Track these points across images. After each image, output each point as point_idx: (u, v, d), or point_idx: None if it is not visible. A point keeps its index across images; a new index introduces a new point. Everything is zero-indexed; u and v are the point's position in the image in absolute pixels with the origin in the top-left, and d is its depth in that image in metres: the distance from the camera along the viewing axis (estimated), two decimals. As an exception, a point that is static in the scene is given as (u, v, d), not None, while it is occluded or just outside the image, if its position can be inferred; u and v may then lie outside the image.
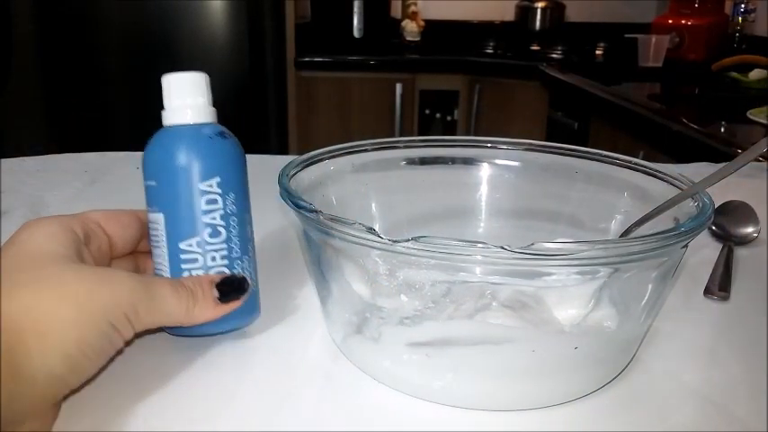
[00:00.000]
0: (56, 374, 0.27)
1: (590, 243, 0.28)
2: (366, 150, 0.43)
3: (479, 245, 0.27)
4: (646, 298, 0.32)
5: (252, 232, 0.37)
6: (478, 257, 0.28)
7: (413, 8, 2.49)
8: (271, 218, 0.55)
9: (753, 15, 2.00)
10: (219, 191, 0.34)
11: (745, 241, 0.53)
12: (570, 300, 0.32)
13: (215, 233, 0.34)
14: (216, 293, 0.33)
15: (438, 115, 2.25)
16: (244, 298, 0.35)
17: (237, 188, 0.35)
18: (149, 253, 0.36)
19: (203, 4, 1.88)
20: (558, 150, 0.44)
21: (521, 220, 0.46)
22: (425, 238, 0.27)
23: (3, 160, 0.72)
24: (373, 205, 0.44)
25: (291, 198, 0.32)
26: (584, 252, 0.28)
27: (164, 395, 0.32)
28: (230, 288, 0.34)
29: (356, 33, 2.31)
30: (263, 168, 0.45)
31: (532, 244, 0.27)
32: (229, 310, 0.34)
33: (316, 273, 0.36)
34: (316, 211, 0.31)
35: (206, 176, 0.34)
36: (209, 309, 0.33)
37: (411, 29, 2.46)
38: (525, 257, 0.27)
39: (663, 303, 0.39)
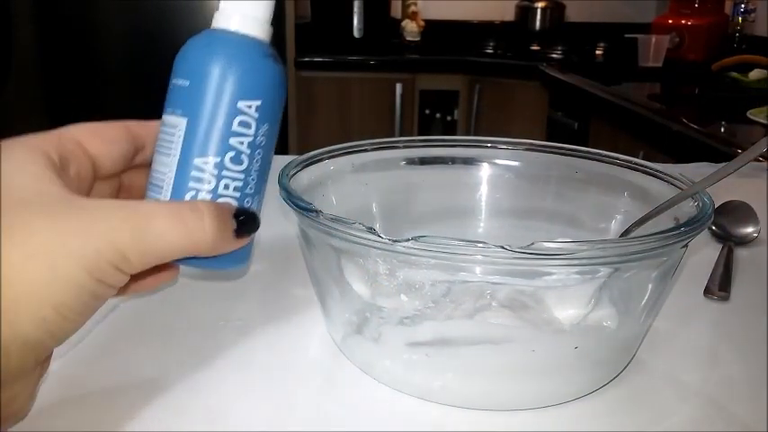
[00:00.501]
0: (32, 341, 0.24)
1: (590, 243, 0.28)
2: (366, 150, 0.43)
3: (479, 245, 0.27)
4: (646, 298, 0.32)
5: (268, 173, 0.33)
6: (478, 257, 0.28)
7: (413, 8, 2.49)
8: (271, 218, 0.55)
9: (753, 15, 2.00)
10: (257, 116, 0.31)
11: (745, 241, 0.53)
12: (570, 300, 0.32)
13: (237, 160, 0.31)
14: (234, 225, 0.30)
15: (438, 115, 2.25)
16: (252, 237, 0.32)
17: (273, 120, 0.32)
18: (144, 167, 0.33)
19: (203, 4, 1.88)
20: (558, 150, 0.44)
21: (521, 220, 0.46)
22: (425, 238, 0.27)
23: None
24: (373, 205, 0.44)
25: (291, 198, 0.32)
26: (584, 252, 0.28)
27: (163, 395, 0.32)
28: (246, 222, 0.30)
29: (356, 33, 2.31)
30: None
31: (532, 244, 0.27)
32: (239, 246, 0.31)
33: (315, 273, 0.36)
34: (316, 211, 0.31)
35: (249, 95, 0.30)
36: (228, 240, 0.29)
37: (411, 29, 2.46)
38: (525, 257, 0.27)
39: (663, 303, 0.39)
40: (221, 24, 0.31)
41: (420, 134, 2.19)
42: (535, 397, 0.32)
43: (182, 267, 0.33)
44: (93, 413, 0.31)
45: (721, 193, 0.51)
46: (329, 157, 0.41)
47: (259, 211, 0.33)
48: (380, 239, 0.28)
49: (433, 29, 2.49)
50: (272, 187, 0.35)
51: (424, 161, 0.46)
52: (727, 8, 2.06)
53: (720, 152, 1.04)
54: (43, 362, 0.28)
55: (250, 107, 0.30)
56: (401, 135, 2.17)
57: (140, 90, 1.72)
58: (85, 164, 0.30)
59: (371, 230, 0.28)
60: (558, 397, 0.32)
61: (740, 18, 2.01)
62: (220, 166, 0.30)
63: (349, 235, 0.30)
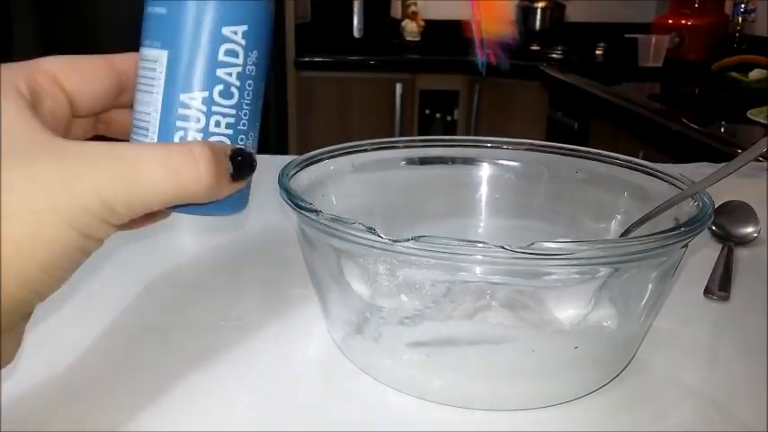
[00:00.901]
0: (17, 300, 0.23)
1: (590, 243, 0.28)
2: (366, 150, 0.43)
3: (479, 244, 0.27)
4: (646, 298, 0.32)
5: (262, 108, 0.30)
6: (478, 257, 0.28)
7: (413, 8, 2.49)
8: (271, 218, 0.55)
9: (753, 15, 2.00)
10: (243, 42, 0.28)
11: (745, 241, 0.53)
12: (570, 300, 0.32)
13: (227, 93, 0.28)
14: (230, 167, 0.27)
15: (438, 115, 2.25)
16: (249, 179, 0.29)
17: (262, 48, 0.29)
18: (128, 107, 0.30)
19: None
20: (558, 150, 0.44)
21: (521, 220, 0.46)
22: (425, 238, 0.27)
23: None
24: (373, 205, 0.44)
25: (291, 198, 0.32)
26: (584, 252, 0.28)
27: (162, 395, 0.32)
28: (243, 163, 0.28)
29: (356, 33, 2.31)
30: (263, 168, 0.45)
31: (532, 244, 0.27)
32: (236, 190, 0.28)
33: (315, 273, 0.36)
34: (316, 211, 0.31)
35: (233, 20, 0.27)
36: (225, 185, 0.27)
37: (411, 29, 2.46)
38: (525, 257, 0.27)
39: (663, 303, 0.39)
40: None
41: (420, 134, 2.19)
42: (535, 397, 0.32)
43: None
44: (91, 413, 0.31)
45: (721, 193, 0.51)
46: (329, 157, 0.41)
47: (254, 149, 0.30)
48: (380, 239, 0.28)
49: (433, 29, 2.49)
50: (273, 187, 0.35)
51: (424, 161, 0.46)
52: (727, 8, 2.06)
53: (720, 152, 1.04)
54: (28, 315, 0.26)
55: (236, 33, 0.28)
56: (401, 135, 2.17)
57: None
58: (62, 102, 0.28)
59: (371, 230, 0.28)
60: (558, 397, 0.32)
61: (740, 18, 2.01)
62: (209, 101, 0.28)
63: (349, 235, 0.30)
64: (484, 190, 0.47)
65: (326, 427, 0.30)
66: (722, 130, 1.24)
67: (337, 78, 2.17)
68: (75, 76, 0.28)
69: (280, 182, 0.34)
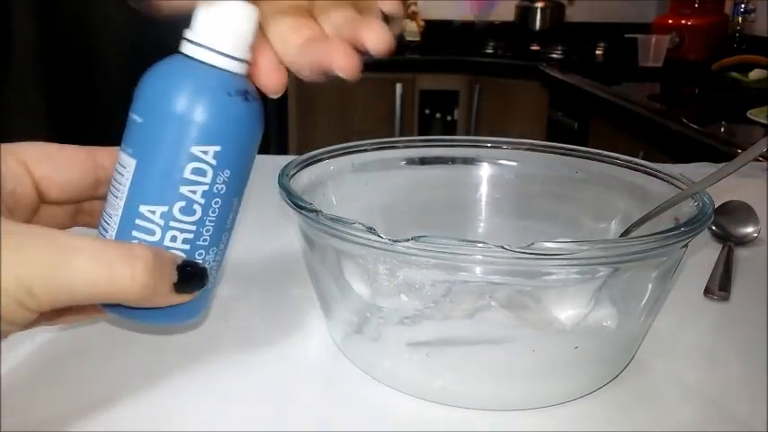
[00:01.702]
0: None
1: (590, 243, 0.28)
2: (366, 150, 0.43)
3: (479, 245, 0.27)
4: (646, 298, 0.32)
5: (233, 220, 0.30)
6: (478, 257, 0.28)
7: (413, 8, 2.49)
8: (271, 218, 0.55)
9: (753, 15, 2.00)
10: (214, 163, 0.27)
11: (745, 241, 0.53)
12: (570, 299, 0.32)
13: (188, 210, 0.27)
14: (175, 277, 0.27)
15: (438, 115, 2.25)
16: (197, 294, 0.29)
17: (237, 167, 0.28)
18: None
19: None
20: (559, 150, 0.44)
21: (521, 220, 0.46)
22: (425, 238, 0.27)
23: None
24: (373, 205, 0.44)
25: (291, 198, 0.32)
26: (584, 252, 0.28)
27: (163, 396, 0.32)
28: (191, 277, 0.28)
29: (356, 33, 2.30)
30: (263, 168, 0.45)
31: (532, 244, 0.27)
32: (177, 303, 0.28)
33: (315, 272, 0.36)
34: (316, 211, 0.31)
35: (204, 140, 0.27)
36: (164, 293, 0.26)
37: (411, 29, 2.46)
38: (525, 257, 0.27)
39: (663, 303, 0.39)
40: (187, 50, 0.27)
41: (420, 134, 2.19)
42: (535, 397, 0.32)
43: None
44: (90, 413, 0.31)
45: (721, 193, 0.51)
46: (329, 157, 0.41)
47: (216, 265, 0.30)
48: (380, 239, 0.28)
49: (433, 29, 2.49)
50: (273, 187, 0.35)
51: (424, 161, 0.46)
52: (727, 8, 2.06)
53: (720, 152, 1.04)
54: None
55: (206, 153, 0.27)
56: (401, 135, 2.17)
57: (140, 90, 1.71)
58: (27, 184, 0.28)
59: (371, 230, 0.28)
60: (558, 397, 0.32)
61: (740, 18, 2.01)
62: (168, 216, 0.27)
63: (349, 235, 0.30)
64: (484, 190, 0.47)
65: (326, 427, 0.30)
66: (722, 130, 1.24)
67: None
68: (45, 163, 0.29)
69: (280, 182, 0.34)
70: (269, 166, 0.38)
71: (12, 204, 0.27)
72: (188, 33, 0.27)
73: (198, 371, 0.34)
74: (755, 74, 1.65)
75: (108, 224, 0.28)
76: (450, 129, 2.25)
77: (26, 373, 0.33)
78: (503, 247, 0.26)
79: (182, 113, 0.26)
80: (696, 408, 0.32)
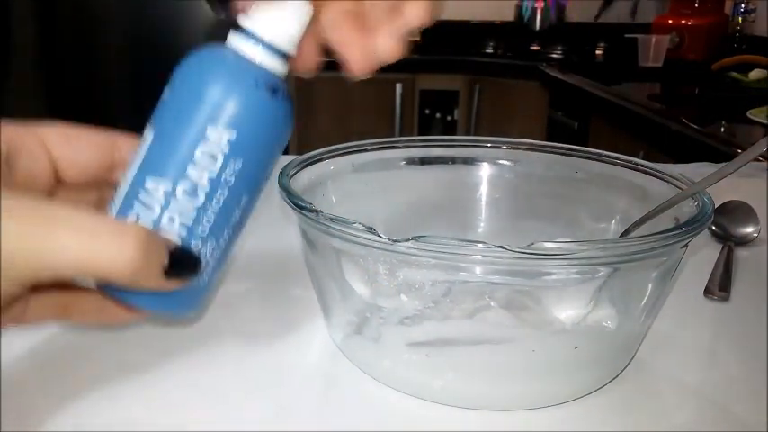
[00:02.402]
0: None
1: (590, 243, 0.28)
2: (366, 150, 0.43)
3: (479, 245, 0.27)
4: (646, 298, 0.33)
5: (241, 219, 0.29)
6: (478, 257, 0.28)
7: (413, 8, 2.49)
8: (271, 218, 0.55)
9: (753, 15, 2.00)
10: (226, 150, 0.27)
11: (745, 241, 0.53)
12: (570, 300, 0.32)
13: (191, 193, 0.27)
14: (165, 260, 0.25)
15: (438, 115, 2.25)
16: (187, 283, 0.27)
17: (251, 161, 0.28)
18: None
19: (204, 4, 1.87)
20: (558, 150, 0.44)
21: (521, 220, 0.46)
22: (425, 238, 0.27)
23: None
24: (373, 205, 0.44)
25: (291, 198, 0.32)
26: (584, 252, 0.28)
27: (163, 395, 0.32)
28: (183, 264, 0.27)
29: (356, 33, 2.30)
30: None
31: (532, 244, 0.27)
32: (167, 289, 0.26)
33: (315, 273, 0.36)
34: (316, 211, 0.31)
35: (219, 121, 0.26)
36: (153, 276, 0.25)
37: (411, 29, 2.46)
38: (525, 257, 0.27)
39: (663, 303, 0.39)
40: (231, 41, 0.28)
41: (420, 134, 2.19)
42: (535, 397, 0.32)
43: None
44: (89, 412, 0.31)
45: (721, 193, 0.51)
46: (329, 157, 0.41)
47: (214, 262, 0.29)
48: (380, 239, 0.28)
49: (433, 29, 2.49)
50: (273, 187, 0.35)
51: (424, 161, 0.46)
52: (728, 8, 2.06)
53: (720, 152, 1.04)
54: None
55: (220, 138, 0.26)
56: (401, 135, 2.17)
57: (141, 90, 1.72)
58: (43, 162, 0.28)
59: (371, 230, 0.28)
60: (558, 397, 0.32)
61: (740, 18, 2.01)
62: (170, 195, 0.27)
63: (349, 235, 0.30)
64: (484, 190, 0.47)
65: (326, 427, 0.30)
66: (722, 130, 1.24)
67: (337, 78, 2.16)
68: (63, 143, 0.29)
69: (280, 182, 0.34)
70: (269, 166, 0.38)
71: (26, 182, 0.27)
72: (239, 23, 0.28)
73: (198, 371, 0.34)
74: (755, 74, 1.65)
75: (117, 195, 0.28)
76: (450, 129, 2.25)
77: (26, 373, 0.33)
78: (503, 247, 0.26)
79: (203, 91, 0.26)
80: (696, 408, 0.32)
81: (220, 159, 0.27)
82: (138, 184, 0.27)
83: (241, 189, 0.28)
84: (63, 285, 0.29)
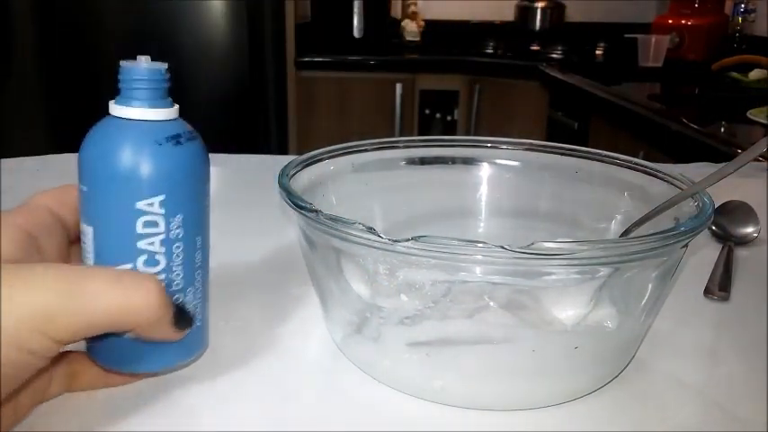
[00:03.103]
0: None
1: (590, 243, 0.28)
2: (366, 150, 0.43)
3: (479, 245, 0.27)
4: (646, 298, 0.33)
5: (204, 258, 0.31)
6: (478, 257, 0.28)
7: (413, 8, 2.49)
8: (271, 218, 0.55)
9: (753, 15, 2.00)
10: (162, 211, 0.28)
11: (745, 241, 0.53)
12: (570, 299, 0.32)
13: (152, 261, 0.28)
14: (173, 309, 0.27)
15: (438, 115, 2.25)
16: (185, 333, 0.29)
17: (188, 207, 0.29)
18: None
19: (203, 4, 1.88)
20: (558, 150, 0.44)
21: (521, 220, 0.46)
22: (425, 238, 0.27)
23: (3, 160, 0.72)
24: (373, 205, 0.44)
25: (291, 198, 0.32)
26: (585, 252, 0.28)
27: (163, 395, 0.32)
28: (184, 314, 0.29)
29: (356, 33, 2.31)
30: (263, 168, 0.45)
31: (532, 244, 0.27)
32: (175, 338, 0.29)
33: (315, 272, 0.36)
34: (316, 211, 0.31)
35: (146, 193, 0.27)
36: (166, 324, 0.27)
37: (411, 29, 2.46)
38: (525, 257, 0.27)
39: (663, 303, 0.39)
40: (114, 111, 0.28)
41: (420, 134, 2.19)
42: (535, 397, 0.32)
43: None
44: (90, 412, 0.31)
45: (721, 193, 0.51)
46: (329, 157, 0.41)
47: (199, 302, 0.31)
48: (380, 239, 0.28)
49: (433, 29, 2.49)
50: (273, 187, 0.35)
51: (424, 161, 0.46)
52: (728, 8, 2.06)
53: (720, 152, 1.04)
54: None
55: (152, 205, 0.28)
56: (401, 135, 2.17)
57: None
58: (61, 231, 0.30)
59: (371, 230, 0.28)
60: (558, 397, 0.32)
61: (740, 18, 2.01)
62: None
63: (349, 235, 0.30)
64: (484, 190, 0.47)
65: (326, 427, 0.30)
66: (722, 130, 1.24)
67: (337, 78, 2.17)
68: (66, 206, 0.30)
69: (280, 182, 0.34)
70: (269, 166, 0.38)
71: (59, 254, 0.29)
72: (116, 95, 0.28)
73: (198, 370, 0.34)
74: (755, 74, 1.65)
75: None
76: (450, 129, 2.25)
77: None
78: (503, 247, 0.26)
79: (117, 173, 0.27)
80: (696, 408, 0.32)
81: (162, 222, 0.28)
82: None
83: (192, 234, 0.30)
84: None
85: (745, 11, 2.00)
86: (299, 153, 0.40)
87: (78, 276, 0.24)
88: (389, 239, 0.28)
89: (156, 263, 0.28)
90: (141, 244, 0.28)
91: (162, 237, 0.28)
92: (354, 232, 0.29)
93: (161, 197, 0.28)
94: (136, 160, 0.27)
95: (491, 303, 0.32)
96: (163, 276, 0.29)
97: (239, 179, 0.67)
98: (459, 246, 0.27)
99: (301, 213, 0.32)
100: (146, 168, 0.27)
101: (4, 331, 0.22)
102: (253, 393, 0.33)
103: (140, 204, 0.27)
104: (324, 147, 0.41)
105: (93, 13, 1.86)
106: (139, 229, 0.28)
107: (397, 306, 0.32)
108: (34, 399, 0.29)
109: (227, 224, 0.53)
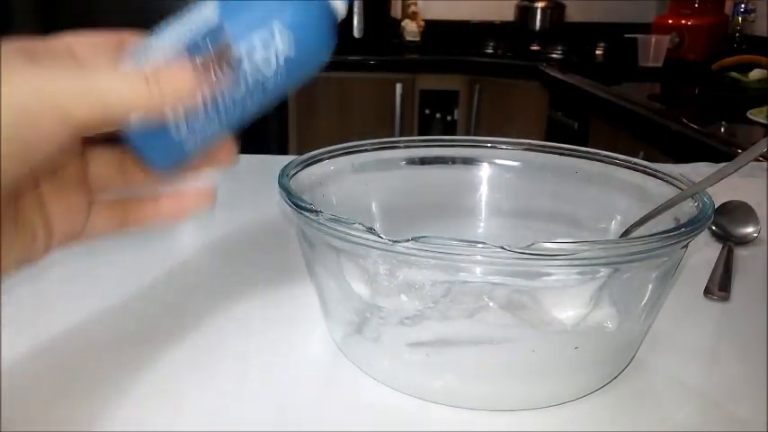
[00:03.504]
0: None
1: (590, 243, 0.28)
2: (366, 150, 0.43)
3: (479, 245, 0.27)
4: (646, 298, 0.32)
5: (253, 102, 0.27)
6: (478, 257, 0.28)
7: (413, 8, 2.49)
8: (271, 218, 0.55)
9: (753, 15, 2.00)
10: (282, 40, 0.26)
11: (744, 241, 0.53)
12: (570, 300, 0.32)
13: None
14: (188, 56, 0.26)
15: (438, 115, 2.25)
16: (228, 71, 0.26)
17: (299, 54, 0.26)
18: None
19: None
20: (558, 150, 0.44)
21: (521, 220, 0.46)
22: (425, 238, 0.27)
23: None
24: (373, 205, 0.44)
25: (291, 198, 0.32)
26: (585, 252, 0.28)
27: (163, 395, 0.32)
28: (209, 53, 0.26)
29: (356, 33, 2.30)
30: (264, 168, 0.45)
31: (532, 244, 0.27)
32: (206, 80, 0.26)
33: (316, 272, 0.36)
34: (316, 211, 0.31)
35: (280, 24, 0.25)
36: (183, 71, 0.25)
37: (411, 29, 2.46)
38: (525, 257, 0.27)
39: (663, 303, 0.39)
40: None
41: (420, 134, 2.19)
42: (535, 397, 0.32)
43: None
44: (90, 412, 0.31)
45: (721, 193, 0.51)
46: (329, 157, 0.41)
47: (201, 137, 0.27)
48: (380, 239, 0.28)
49: (433, 29, 2.49)
50: (273, 187, 0.35)
51: (424, 161, 0.46)
52: (728, 8, 2.06)
53: (720, 152, 1.04)
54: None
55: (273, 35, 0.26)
56: (401, 135, 2.17)
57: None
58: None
59: (371, 230, 0.28)
60: (558, 397, 0.32)
61: (740, 18, 2.01)
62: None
63: (349, 235, 0.30)
64: (484, 190, 0.47)
65: (326, 427, 0.30)
66: (722, 130, 1.24)
67: (337, 78, 2.17)
68: (82, 45, 0.28)
69: (280, 182, 0.34)
70: (269, 166, 0.38)
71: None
72: None
73: (198, 370, 0.34)
74: (755, 74, 1.65)
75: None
76: (450, 129, 2.25)
77: (26, 373, 0.33)
78: (503, 248, 0.26)
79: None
80: (696, 408, 0.32)
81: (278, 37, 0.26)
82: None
83: (261, 96, 0.27)
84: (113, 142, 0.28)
85: (745, 11, 2.00)
86: (299, 153, 0.40)
87: (85, 64, 0.25)
88: (389, 240, 0.28)
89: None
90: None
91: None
92: (354, 232, 0.29)
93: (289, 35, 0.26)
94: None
95: (491, 304, 0.32)
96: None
97: (239, 179, 0.67)
98: (459, 246, 0.27)
99: (301, 213, 0.32)
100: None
101: (14, 106, 0.21)
102: (253, 393, 0.33)
103: (275, 24, 0.26)
104: (324, 147, 0.41)
105: (94, 12, 1.86)
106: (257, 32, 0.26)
107: (397, 306, 0.32)
108: (66, 238, 0.27)
109: (227, 224, 0.53)
